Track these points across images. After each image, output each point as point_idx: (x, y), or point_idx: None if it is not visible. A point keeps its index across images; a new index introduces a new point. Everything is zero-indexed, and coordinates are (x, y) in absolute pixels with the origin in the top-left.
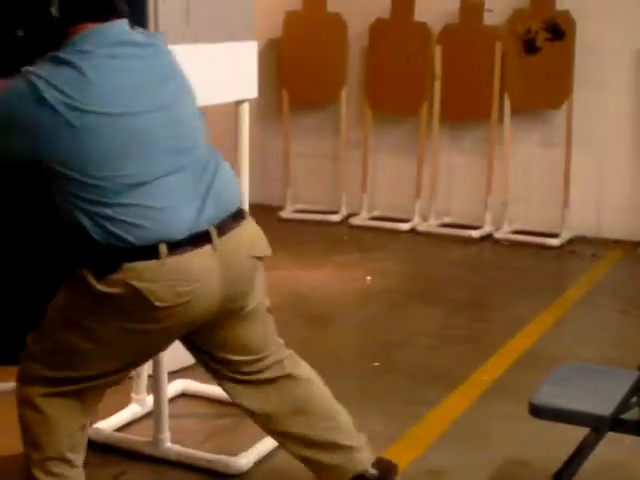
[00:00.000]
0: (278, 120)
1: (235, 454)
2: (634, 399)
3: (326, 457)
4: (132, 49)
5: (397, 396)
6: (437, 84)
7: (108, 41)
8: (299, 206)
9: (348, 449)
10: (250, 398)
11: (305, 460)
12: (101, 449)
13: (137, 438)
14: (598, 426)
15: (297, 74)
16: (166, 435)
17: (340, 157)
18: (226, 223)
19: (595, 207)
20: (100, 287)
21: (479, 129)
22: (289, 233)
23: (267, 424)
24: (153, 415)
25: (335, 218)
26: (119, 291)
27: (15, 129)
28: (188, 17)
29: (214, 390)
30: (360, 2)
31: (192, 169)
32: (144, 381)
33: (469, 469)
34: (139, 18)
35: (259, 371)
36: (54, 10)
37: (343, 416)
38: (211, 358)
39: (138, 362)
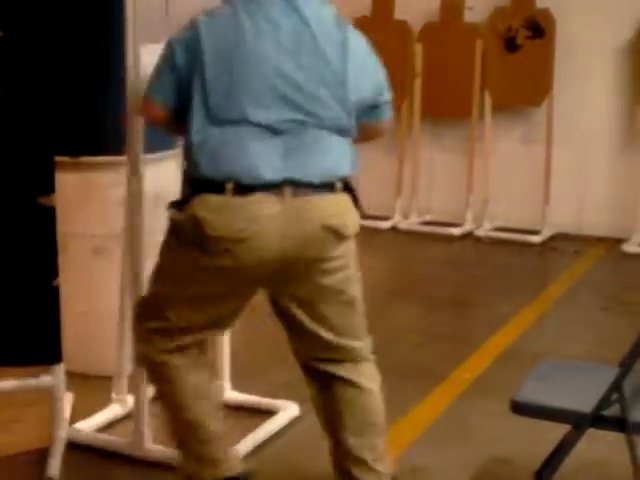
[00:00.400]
0: None
1: None
2: (615, 396)
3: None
4: (293, 13)
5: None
6: (418, 82)
7: None
8: None
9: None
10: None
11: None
12: (82, 449)
13: (118, 438)
14: (579, 423)
15: None
16: (147, 435)
17: None
18: (306, 188)
19: (576, 204)
20: (175, 216)
21: (460, 127)
22: None
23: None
24: (134, 415)
25: None
26: (184, 219)
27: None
28: (168, 16)
29: None
30: (340, 0)
31: (299, 132)
32: (125, 381)
33: (451, 467)
34: (118, 15)
35: (333, 361)
36: None
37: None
38: (294, 327)
39: (220, 320)
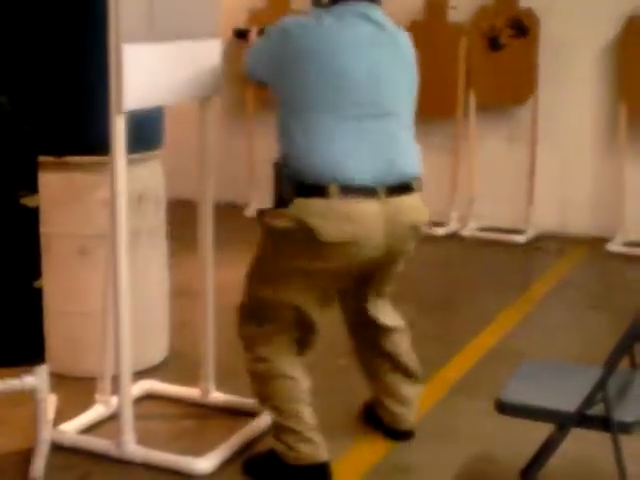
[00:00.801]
0: (243, 119)
1: (200, 455)
2: (599, 395)
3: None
4: (369, 23)
5: (364, 393)
6: None
7: (358, 12)
8: (263, 204)
9: None
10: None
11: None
12: (66, 451)
13: (102, 440)
14: (564, 422)
15: None
16: (131, 436)
17: None
18: (395, 188)
19: (560, 203)
20: (276, 223)
21: (445, 126)
22: (253, 231)
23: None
24: (118, 416)
25: None
26: (291, 225)
27: (268, 57)
28: (151, 16)
29: (179, 391)
30: None
31: (386, 132)
32: (109, 382)
33: (437, 466)
34: (101, 16)
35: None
36: None
37: None
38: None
39: (318, 314)
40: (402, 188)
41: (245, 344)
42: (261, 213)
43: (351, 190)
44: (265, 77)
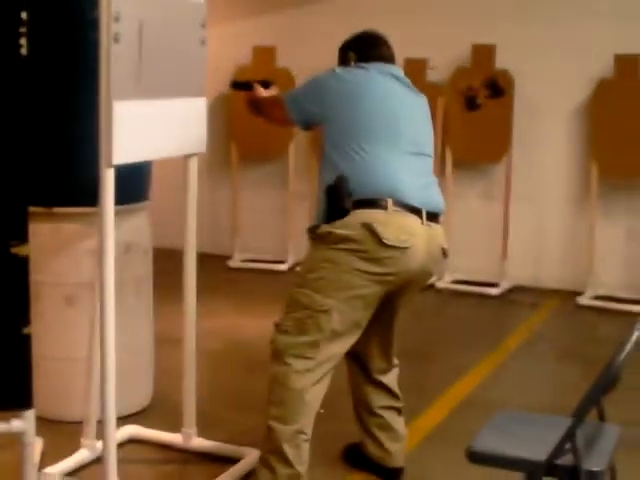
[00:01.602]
0: (227, 172)
1: None
2: (568, 445)
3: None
4: (397, 80)
5: (341, 442)
6: None
7: (388, 71)
8: (247, 255)
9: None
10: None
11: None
12: None
13: None
14: (534, 471)
15: (246, 129)
16: None
17: (287, 209)
18: (430, 215)
19: (533, 258)
20: (337, 230)
21: None
22: (237, 282)
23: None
24: (102, 460)
25: (282, 267)
26: (355, 231)
27: (319, 94)
28: (140, 74)
29: (162, 436)
30: (308, 59)
31: (423, 169)
32: (94, 426)
33: None
34: (91, 74)
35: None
36: (352, 55)
37: None
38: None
39: (358, 327)
40: (435, 217)
41: (277, 354)
42: (315, 227)
43: (403, 207)
44: (317, 114)
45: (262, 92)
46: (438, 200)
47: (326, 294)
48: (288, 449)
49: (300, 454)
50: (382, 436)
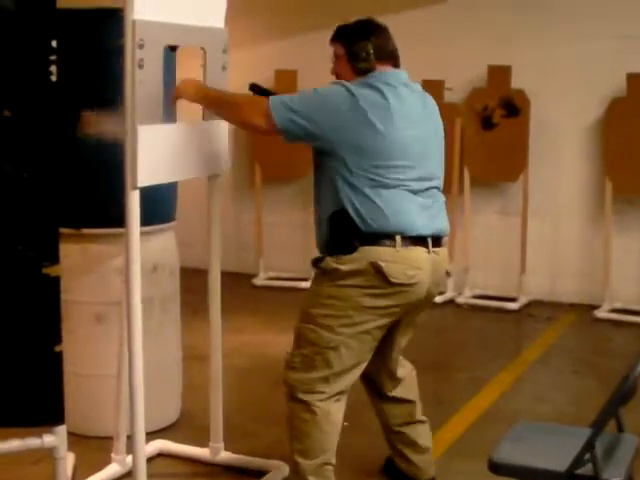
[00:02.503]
0: (252, 193)
1: None
2: (587, 455)
3: None
4: (411, 92)
5: (363, 455)
6: None
7: (401, 81)
8: (272, 274)
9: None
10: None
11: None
12: None
13: None
14: None
15: (270, 151)
16: None
17: (310, 227)
18: (435, 240)
19: (550, 272)
20: (343, 267)
21: None
22: (262, 299)
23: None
24: (132, 475)
25: (305, 285)
26: (362, 267)
27: (325, 111)
28: (163, 99)
29: (191, 450)
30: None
31: (429, 193)
32: (124, 441)
33: None
34: (116, 97)
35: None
36: (370, 48)
37: None
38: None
39: (367, 356)
40: (439, 240)
41: (289, 390)
42: (319, 260)
43: (410, 239)
44: (317, 133)
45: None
46: (443, 225)
47: (333, 331)
48: None
49: None
50: (406, 451)
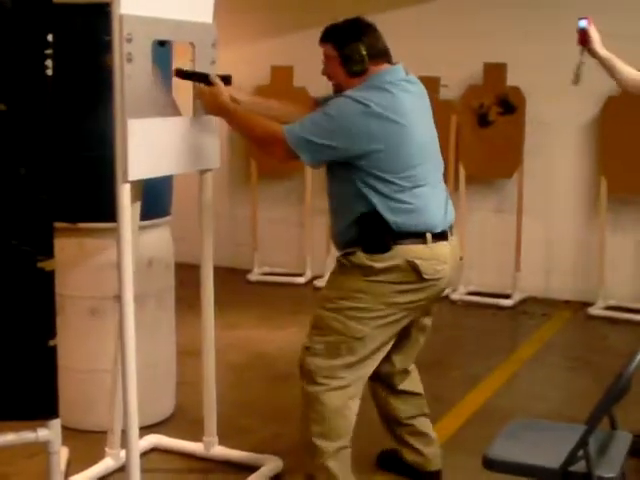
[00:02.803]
0: (247, 188)
1: None
2: (581, 452)
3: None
4: (411, 84)
5: (356, 450)
6: None
7: (399, 77)
8: (266, 269)
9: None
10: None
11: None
12: None
13: None
14: (548, 478)
15: None
16: None
17: (305, 223)
18: (450, 229)
19: (545, 270)
20: (378, 264)
21: None
22: (257, 295)
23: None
24: (126, 469)
25: (301, 280)
26: (397, 265)
27: (344, 132)
28: (153, 92)
29: (184, 445)
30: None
31: (441, 184)
32: (118, 436)
33: None
34: (107, 92)
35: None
36: (363, 49)
37: None
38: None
39: (389, 345)
40: (451, 228)
41: (308, 374)
42: (349, 254)
43: (437, 236)
44: (340, 153)
45: (223, 89)
46: (453, 214)
47: (361, 322)
48: (334, 465)
49: (346, 468)
50: (416, 442)
